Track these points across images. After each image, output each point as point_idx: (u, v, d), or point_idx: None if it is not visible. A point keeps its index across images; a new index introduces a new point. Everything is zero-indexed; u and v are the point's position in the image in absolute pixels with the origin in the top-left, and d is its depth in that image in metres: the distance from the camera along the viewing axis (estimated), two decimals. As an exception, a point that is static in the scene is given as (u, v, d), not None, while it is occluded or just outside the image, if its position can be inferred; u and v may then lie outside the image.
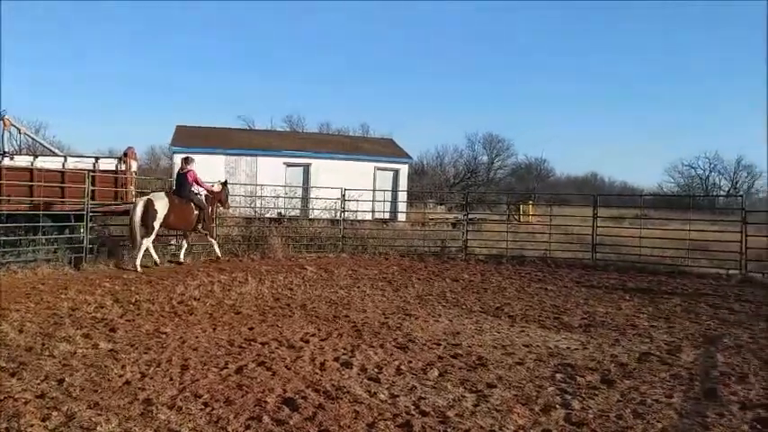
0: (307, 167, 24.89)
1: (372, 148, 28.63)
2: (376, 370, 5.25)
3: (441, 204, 32.76)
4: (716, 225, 16.47)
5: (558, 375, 5.30)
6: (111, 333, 6.33)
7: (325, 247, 15.33)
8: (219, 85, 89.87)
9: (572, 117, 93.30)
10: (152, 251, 11.48)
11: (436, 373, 5.22)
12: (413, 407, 4.35)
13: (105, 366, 5.09)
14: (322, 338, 6.38)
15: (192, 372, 5.03)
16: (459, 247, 15.76)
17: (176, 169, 14.38)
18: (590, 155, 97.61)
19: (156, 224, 11.20)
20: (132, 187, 13.88)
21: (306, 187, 23.31)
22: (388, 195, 24.22)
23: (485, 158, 57.35)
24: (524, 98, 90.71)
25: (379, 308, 8.30)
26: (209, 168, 22.07)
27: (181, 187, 11.95)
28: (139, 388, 4.58)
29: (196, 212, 11.96)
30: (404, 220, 22.74)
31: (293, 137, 33.12)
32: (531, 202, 30.66)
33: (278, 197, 17.61)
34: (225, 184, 13.33)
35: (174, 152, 23.99)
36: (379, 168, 25.65)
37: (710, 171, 60.76)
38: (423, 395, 4.61)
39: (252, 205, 17.86)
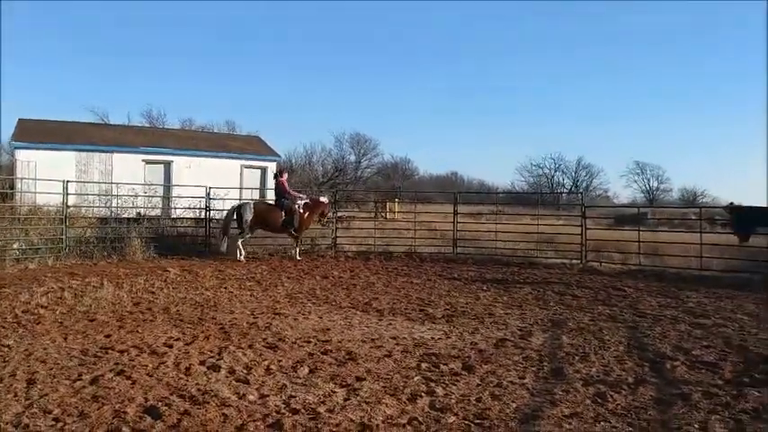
0: (168, 165, 23.73)
1: (239, 146, 27.93)
2: (245, 371, 5.17)
3: (310, 202, 32.62)
4: (560, 220, 18.07)
5: (424, 365, 5.54)
6: (-61, 350, 5.64)
7: (189, 247, 14.71)
8: (67, 77, 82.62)
9: (432, 119, 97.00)
10: (240, 247, 13.51)
11: (306, 371, 5.24)
12: (283, 406, 4.34)
13: (-66, 387, 4.54)
14: (187, 342, 6.14)
15: (40, 386, 4.62)
16: (329, 244, 15.87)
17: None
18: (450, 155, 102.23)
19: (245, 226, 13.43)
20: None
21: (167, 186, 22.21)
22: (257, 194, 23.74)
23: (352, 158, 58.26)
24: (388, 99, 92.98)
25: (247, 308, 8.15)
26: (57, 166, 20.32)
27: (277, 196, 14.06)
28: (-23, 408, 4.13)
29: (286, 218, 13.68)
30: (272, 218, 22.37)
31: (153, 132, 31.36)
32: (396, 199, 31.55)
33: (137, 196, 16.62)
34: (331, 200, 15.58)
35: (15, 148, 21.78)
36: (246, 166, 25.10)
37: (555, 170, 66.48)
38: (293, 393, 4.62)
39: (107, 205, 16.70)
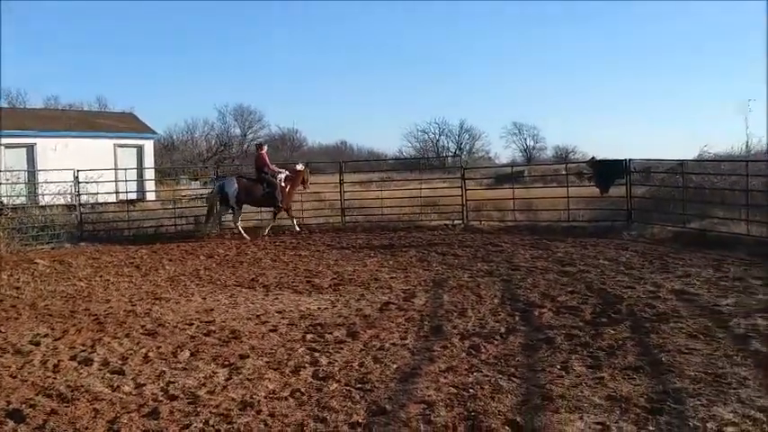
0: (31, 148, 21.77)
1: (111, 124, 26.11)
2: (120, 362, 4.96)
3: (195, 180, 31.46)
4: (445, 183, 18.67)
5: (309, 336, 5.60)
6: None
7: (60, 236, 13.72)
8: None
9: (319, 86, 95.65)
10: (210, 223, 14.07)
11: (187, 354, 5.13)
12: (161, 393, 4.23)
13: None
14: (56, 338, 5.78)
15: None
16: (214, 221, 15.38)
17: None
18: (339, 124, 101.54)
19: (232, 202, 13.51)
20: None
21: (32, 171, 20.45)
22: (133, 174, 22.47)
23: (237, 131, 56.38)
24: (271, 69, 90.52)
25: (125, 296, 7.78)
26: None
27: (257, 169, 14.00)
28: None
29: (267, 191, 13.59)
30: (154, 198, 21.37)
31: (12, 113, 28.49)
32: (285, 171, 31.11)
33: (-4, 184, 15.20)
34: (307, 165, 15.19)
35: None
36: (120, 146, 23.59)
37: (440, 135, 68.11)
38: (172, 379, 4.50)
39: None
